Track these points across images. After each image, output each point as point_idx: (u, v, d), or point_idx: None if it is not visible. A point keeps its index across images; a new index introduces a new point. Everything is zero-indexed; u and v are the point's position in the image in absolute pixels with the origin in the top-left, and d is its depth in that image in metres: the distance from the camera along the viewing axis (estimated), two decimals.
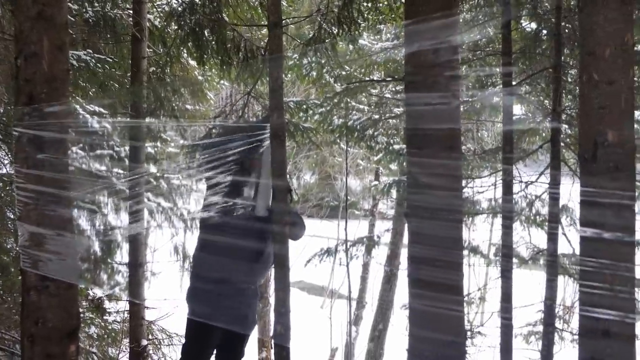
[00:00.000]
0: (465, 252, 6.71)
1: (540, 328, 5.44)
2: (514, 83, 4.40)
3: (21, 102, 2.34)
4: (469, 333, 5.34)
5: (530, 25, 5.09)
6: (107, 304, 5.78)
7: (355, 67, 6.83)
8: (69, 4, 4.51)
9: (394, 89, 7.20)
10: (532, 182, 4.88)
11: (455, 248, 2.54)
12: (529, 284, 6.90)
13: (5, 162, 4.99)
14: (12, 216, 4.67)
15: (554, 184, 3.83)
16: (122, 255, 5.61)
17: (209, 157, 3.34)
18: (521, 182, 5.02)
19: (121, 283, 5.91)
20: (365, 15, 4.46)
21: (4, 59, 4.78)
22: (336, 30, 4.30)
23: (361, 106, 7.23)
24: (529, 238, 5.79)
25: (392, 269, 9.43)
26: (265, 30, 4.90)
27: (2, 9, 4.70)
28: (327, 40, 4.33)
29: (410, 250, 2.58)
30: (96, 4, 4.90)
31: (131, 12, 4.86)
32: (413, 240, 2.57)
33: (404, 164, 6.27)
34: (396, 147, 6.92)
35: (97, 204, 5.04)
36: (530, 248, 5.82)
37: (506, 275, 3.73)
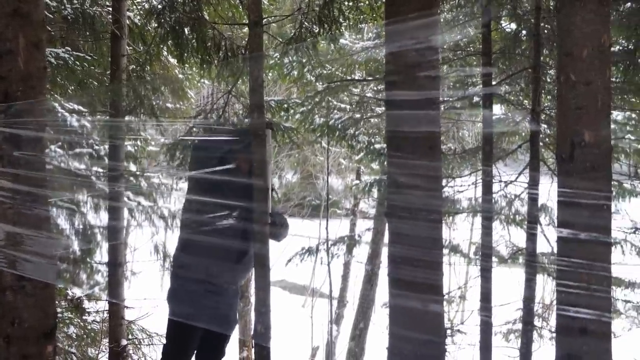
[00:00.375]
0: (446, 251, 6.75)
1: (519, 326, 5.50)
2: (493, 83, 4.43)
3: None
4: (449, 331, 5.37)
5: (510, 26, 5.13)
6: (86, 304, 5.72)
7: (336, 66, 6.83)
8: (47, 0, 4.45)
9: (375, 88, 7.21)
10: (511, 182, 4.92)
11: (435, 248, 2.55)
12: (509, 283, 6.96)
13: None
14: None
15: (533, 184, 3.87)
16: (102, 254, 5.56)
17: (197, 159, 3.31)
18: (501, 181, 5.06)
19: (100, 283, 5.86)
20: (346, 14, 4.46)
21: None
22: (317, 29, 4.30)
23: (342, 105, 7.23)
24: (508, 237, 5.84)
25: (373, 268, 9.46)
26: (246, 29, 4.88)
27: None
28: (308, 39, 4.33)
29: (391, 249, 2.59)
30: (75, 1, 4.84)
31: (110, 9, 4.80)
32: (393, 240, 2.58)
33: (385, 163, 6.29)
34: (377, 146, 6.93)
35: (76, 202, 4.99)
36: (509, 247, 5.88)
37: (486, 275, 3.77)
